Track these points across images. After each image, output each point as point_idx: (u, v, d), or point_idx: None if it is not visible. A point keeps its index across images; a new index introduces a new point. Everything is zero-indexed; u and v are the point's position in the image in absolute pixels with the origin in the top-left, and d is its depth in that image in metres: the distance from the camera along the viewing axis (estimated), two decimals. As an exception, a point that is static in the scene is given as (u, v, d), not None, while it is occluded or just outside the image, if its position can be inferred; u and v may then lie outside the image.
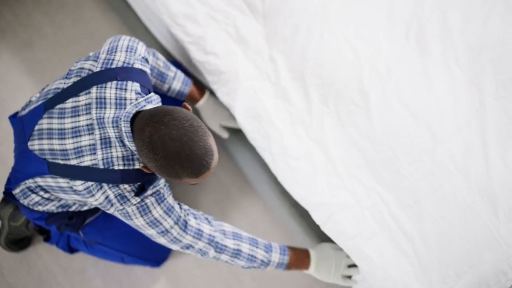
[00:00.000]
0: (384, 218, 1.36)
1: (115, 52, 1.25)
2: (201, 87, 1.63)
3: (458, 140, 1.36)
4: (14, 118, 1.31)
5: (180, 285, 1.78)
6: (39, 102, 1.24)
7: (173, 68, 1.51)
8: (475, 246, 1.30)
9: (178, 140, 1.01)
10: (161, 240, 1.25)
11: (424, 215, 1.33)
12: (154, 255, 1.68)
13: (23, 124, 1.25)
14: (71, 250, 1.69)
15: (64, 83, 1.22)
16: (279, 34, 1.49)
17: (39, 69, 2.00)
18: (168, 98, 1.57)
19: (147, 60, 1.31)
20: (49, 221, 1.39)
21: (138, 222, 1.21)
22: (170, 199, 1.24)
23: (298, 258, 1.43)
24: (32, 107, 1.26)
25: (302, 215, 1.60)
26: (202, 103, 1.59)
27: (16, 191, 1.30)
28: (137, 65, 1.24)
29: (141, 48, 1.31)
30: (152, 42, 1.83)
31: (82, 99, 1.18)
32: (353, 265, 1.42)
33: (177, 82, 1.52)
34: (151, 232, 1.24)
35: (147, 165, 1.08)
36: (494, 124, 1.35)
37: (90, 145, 1.16)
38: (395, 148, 1.37)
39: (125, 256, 1.63)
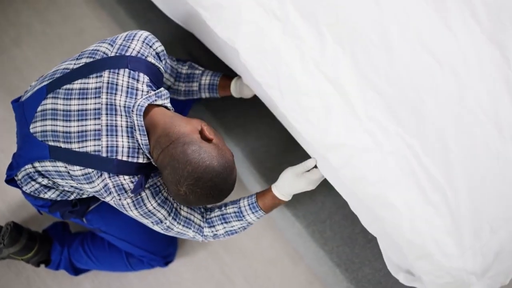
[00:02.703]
0: (409, 164, 1.23)
1: (132, 40, 1.23)
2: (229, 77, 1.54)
3: (485, 89, 1.27)
4: (16, 104, 1.28)
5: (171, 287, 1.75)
6: (42, 84, 1.21)
7: (200, 67, 1.51)
8: (509, 198, 1.20)
9: (211, 195, 1.12)
10: (156, 228, 1.27)
11: (453, 163, 1.22)
12: (159, 247, 1.64)
13: (24, 109, 1.22)
14: (76, 270, 1.68)
15: (74, 64, 1.20)
16: None
17: (28, 67, 1.97)
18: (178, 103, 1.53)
19: (160, 58, 1.29)
20: (52, 208, 1.36)
21: (132, 214, 1.21)
22: (165, 192, 1.24)
23: (264, 194, 1.36)
24: (35, 89, 1.23)
25: (295, 215, 1.57)
26: (234, 85, 1.52)
27: (18, 177, 1.28)
28: (150, 59, 1.23)
29: (158, 45, 1.29)
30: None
31: (92, 81, 1.16)
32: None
33: (206, 76, 1.50)
34: (145, 222, 1.25)
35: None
36: None
37: (95, 130, 1.13)
38: (418, 89, 1.27)
39: (131, 252, 1.60)
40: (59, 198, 1.32)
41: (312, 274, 1.76)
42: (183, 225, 1.28)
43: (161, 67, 1.28)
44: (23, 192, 1.33)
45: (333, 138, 1.25)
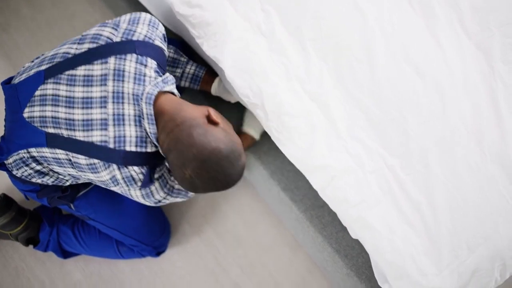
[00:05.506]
0: (389, 184, 1.25)
1: (137, 23, 1.20)
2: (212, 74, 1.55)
3: (469, 103, 1.27)
4: (6, 85, 1.23)
5: (164, 277, 1.69)
6: (40, 68, 1.16)
7: (184, 55, 1.49)
8: (489, 216, 1.20)
9: (219, 180, 1.07)
10: (148, 203, 1.26)
11: (433, 182, 1.23)
12: (151, 237, 1.60)
13: (18, 92, 1.17)
14: (64, 253, 1.63)
15: (76, 48, 1.15)
16: None
17: (17, 53, 1.92)
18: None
19: (164, 39, 1.27)
20: (41, 193, 1.32)
21: (138, 200, 1.21)
22: (170, 180, 1.25)
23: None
24: (31, 72, 1.17)
25: (293, 199, 1.52)
26: (217, 85, 1.53)
27: (9, 161, 1.23)
28: (157, 42, 1.20)
29: (161, 26, 1.27)
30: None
31: (97, 68, 1.11)
32: None
33: (191, 66, 1.48)
34: (142, 202, 1.24)
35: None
36: (504, 89, 1.28)
37: (101, 119, 1.10)
38: (402, 108, 1.27)
39: (121, 241, 1.56)
40: (54, 183, 1.28)
41: (311, 262, 1.71)
42: (174, 197, 1.28)
43: (165, 49, 1.25)
44: (11, 176, 1.28)
45: (316, 159, 1.27)
